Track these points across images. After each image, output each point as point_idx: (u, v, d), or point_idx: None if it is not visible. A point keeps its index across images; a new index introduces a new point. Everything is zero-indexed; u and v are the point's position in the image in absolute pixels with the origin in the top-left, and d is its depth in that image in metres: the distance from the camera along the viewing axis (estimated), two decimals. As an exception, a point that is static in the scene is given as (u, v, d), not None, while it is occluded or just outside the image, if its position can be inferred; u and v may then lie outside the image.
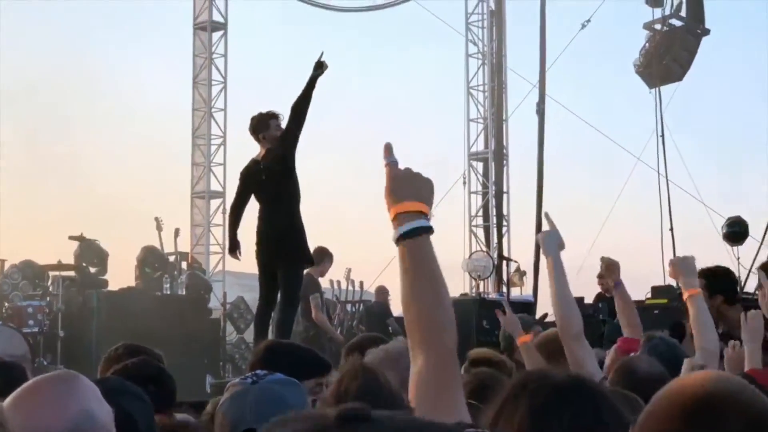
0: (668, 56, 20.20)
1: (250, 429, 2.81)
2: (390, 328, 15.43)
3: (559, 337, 5.43)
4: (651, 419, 1.42)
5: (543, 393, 1.89)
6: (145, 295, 14.54)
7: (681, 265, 5.17)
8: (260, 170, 9.67)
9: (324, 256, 12.40)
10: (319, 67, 9.67)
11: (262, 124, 9.73)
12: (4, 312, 12.33)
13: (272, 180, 9.56)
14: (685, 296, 5.07)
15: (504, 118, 20.68)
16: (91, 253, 14.08)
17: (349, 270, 17.41)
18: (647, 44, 20.54)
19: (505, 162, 20.72)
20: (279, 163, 9.55)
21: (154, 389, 3.38)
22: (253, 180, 9.77)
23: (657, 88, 19.24)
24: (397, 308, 18.15)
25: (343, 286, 17.10)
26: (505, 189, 20.68)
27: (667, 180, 18.51)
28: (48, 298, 12.71)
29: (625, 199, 21.82)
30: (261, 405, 2.91)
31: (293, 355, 4.12)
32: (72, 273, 13.59)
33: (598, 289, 7.09)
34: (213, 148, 21.19)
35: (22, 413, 2.21)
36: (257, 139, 9.79)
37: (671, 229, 17.86)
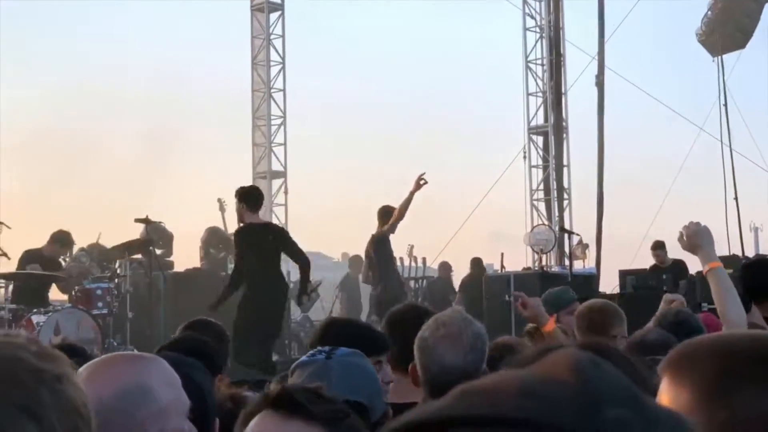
0: (731, 24, 19.93)
1: (347, 401, 2.63)
2: (453, 304, 15.46)
3: (604, 309, 5.40)
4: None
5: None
6: (210, 276, 14.72)
7: (699, 235, 4.70)
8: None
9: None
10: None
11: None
12: (74, 295, 12.55)
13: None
14: (705, 270, 4.66)
15: (563, 91, 20.54)
16: (156, 235, 14.27)
17: (412, 246, 17.49)
18: (709, 12, 20.29)
19: (564, 135, 20.59)
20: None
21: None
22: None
23: (719, 57, 19.02)
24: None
25: (406, 263, 17.20)
26: (565, 162, 20.57)
27: (731, 149, 18.35)
28: (116, 281, 12.90)
29: (687, 170, 21.65)
30: (346, 378, 2.88)
31: (354, 333, 4.19)
32: (139, 255, 13.79)
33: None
34: (273, 128, 21.31)
35: (83, 380, 2.29)
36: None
37: (735, 198, 17.72)
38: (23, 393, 0.89)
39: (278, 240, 10.57)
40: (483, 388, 0.58)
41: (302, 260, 10.65)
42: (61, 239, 13.05)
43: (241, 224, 10.41)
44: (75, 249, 13.67)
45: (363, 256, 13.85)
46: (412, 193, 11.84)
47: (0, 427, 0.85)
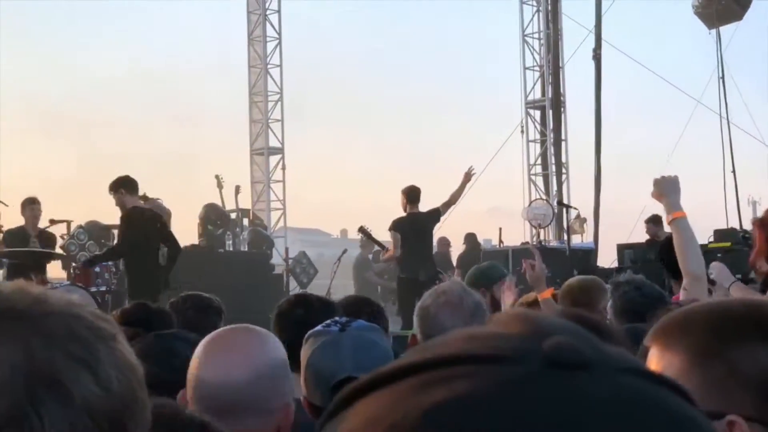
0: (727, -5, 19.85)
1: (349, 377, 2.66)
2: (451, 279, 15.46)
3: (585, 287, 5.38)
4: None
5: None
6: (208, 252, 14.72)
7: (664, 184, 4.62)
8: None
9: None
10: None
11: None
12: (72, 272, 12.54)
13: None
14: (668, 219, 4.59)
15: (560, 65, 20.50)
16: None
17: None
18: (705, -16, 20.20)
19: (562, 109, 20.57)
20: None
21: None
22: None
23: (716, 29, 18.95)
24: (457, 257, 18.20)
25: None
26: (563, 137, 20.56)
27: (728, 122, 18.29)
28: (114, 258, 12.88)
29: (685, 143, 21.69)
30: (358, 352, 2.80)
31: (370, 306, 4.29)
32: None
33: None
34: (270, 104, 21.26)
35: (211, 362, 2.34)
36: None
37: (733, 171, 17.68)
38: (81, 347, 0.95)
39: (163, 226, 11.35)
40: (434, 341, 0.59)
41: (176, 248, 11.29)
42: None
43: (130, 208, 10.89)
44: (72, 226, 13.66)
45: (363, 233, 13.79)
46: (463, 184, 12.38)
47: (59, 377, 0.92)
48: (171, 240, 11.24)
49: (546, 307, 5.23)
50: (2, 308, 0.95)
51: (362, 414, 0.56)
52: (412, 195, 11.93)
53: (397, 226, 11.81)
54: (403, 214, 11.89)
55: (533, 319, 0.58)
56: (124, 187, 10.82)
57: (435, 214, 12.23)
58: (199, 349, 2.40)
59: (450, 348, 0.57)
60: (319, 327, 2.96)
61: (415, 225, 11.79)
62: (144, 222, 10.85)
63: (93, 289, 11.96)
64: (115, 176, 10.97)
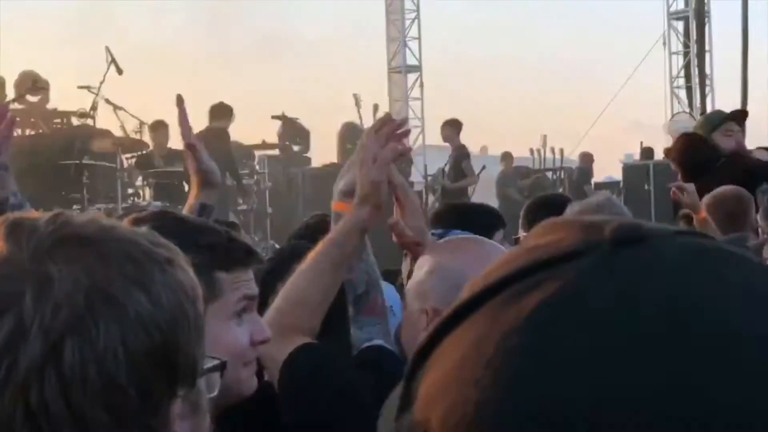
0: None
1: None
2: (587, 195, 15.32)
3: (739, 196, 5.22)
4: None
5: None
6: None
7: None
8: None
9: None
10: None
11: None
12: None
13: None
14: None
15: (705, -27, 19.85)
16: (293, 131, 14.44)
17: (545, 137, 17.35)
18: None
19: (707, 20, 19.95)
20: None
21: None
22: None
23: None
24: (600, 173, 17.99)
25: (542, 154, 17.09)
26: (707, 48, 19.98)
27: None
28: (255, 177, 13.12)
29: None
30: None
31: (469, 211, 4.40)
32: (276, 152, 13.93)
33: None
34: (407, 22, 21.20)
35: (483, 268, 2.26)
36: None
37: None
38: (135, 268, 1.07)
39: None
40: (492, 266, 0.63)
41: None
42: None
43: None
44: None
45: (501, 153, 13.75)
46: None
47: (115, 293, 1.04)
48: None
49: (706, 227, 5.06)
50: (70, 234, 1.08)
51: (461, 344, 0.59)
52: None
53: None
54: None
55: (577, 220, 0.64)
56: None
57: None
58: (452, 261, 2.31)
59: (516, 264, 0.61)
60: None
61: None
62: None
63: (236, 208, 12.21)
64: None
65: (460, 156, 13.88)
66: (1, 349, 1.01)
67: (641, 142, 16.89)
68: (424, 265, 2.30)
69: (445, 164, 14.23)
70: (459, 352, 0.59)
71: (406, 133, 2.64)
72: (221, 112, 12.23)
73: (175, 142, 12.91)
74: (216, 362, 1.32)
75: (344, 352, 2.57)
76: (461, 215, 4.07)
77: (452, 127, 14.04)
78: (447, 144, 14.17)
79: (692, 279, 0.58)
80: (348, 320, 2.45)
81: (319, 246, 2.45)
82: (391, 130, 2.54)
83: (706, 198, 5.29)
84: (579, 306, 0.57)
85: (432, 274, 2.26)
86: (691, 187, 5.45)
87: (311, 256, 2.44)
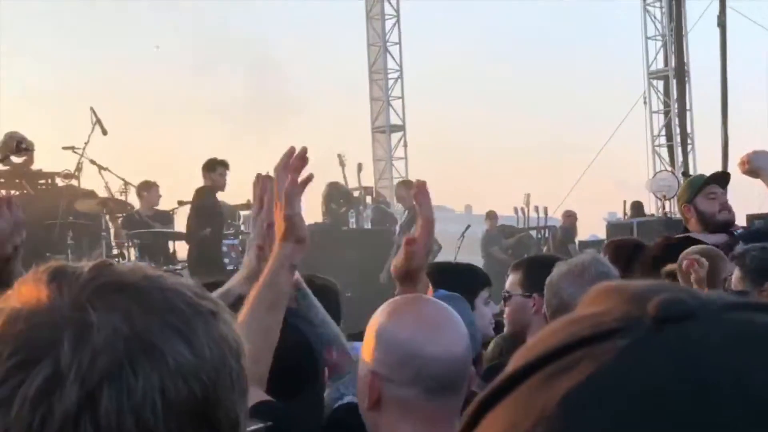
0: None
1: None
2: (571, 254, 15.37)
3: (709, 255, 5.24)
4: None
5: None
6: (332, 230, 14.86)
7: (758, 158, 4.76)
8: None
9: None
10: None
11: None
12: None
13: None
14: None
15: (683, 33, 20.08)
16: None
17: (528, 195, 17.42)
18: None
19: (687, 79, 20.16)
20: None
21: None
22: None
23: None
24: (584, 232, 18.06)
25: (525, 212, 17.15)
26: (687, 107, 20.16)
27: None
28: (240, 237, 13.10)
29: (817, 111, 20.97)
30: None
31: (454, 270, 4.39)
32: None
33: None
34: (390, 82, 21.34)
35: (426, 339, 2.19)
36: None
37: None
38: (179, 318, 1.05)
39: None
40: (530, 342, 0.60)
41: None
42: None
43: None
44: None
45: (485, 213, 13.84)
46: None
47: (155, 341, 1.02)
48: None
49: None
50: (113, 281, 1.07)
51: (495, 426, 0.57)
52: None
53: None
54: None
55: (624, 288, 0.60)
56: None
57: None
58: (396, 327, 2.24)
59: (556, 339, 0.58)
60: None
61: None
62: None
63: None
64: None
65: (416, 215, 14.08)
66: (37, 397, 0.98)
67: (624, 201, 16.98)
68: (374, 324, 2.27)
69: (399, 224, 14.48)
70: None
71: (305, 161, 2.61)
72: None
73: (164, 202, 12.97)
74: (260, 425, 1.27)
75: (305, 415, 2.57)
76: (447, 274, 4.09)
77: (406, 188, 14.39)
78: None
79: (741, 362, 0.54)
80: (319, 382, 2.43)
81: (252, 291, 2.48)
82: (286, 164, 2.58)
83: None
84: (613, 393, 0.54)
85: (377, 339, 2.23)
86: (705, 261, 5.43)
87: (246, 303, 2.45)
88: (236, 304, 2.55)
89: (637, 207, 17.37)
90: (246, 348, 1.14)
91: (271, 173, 2.67)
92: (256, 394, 2.25)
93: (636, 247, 4.91)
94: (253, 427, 1.22)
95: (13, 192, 11.81)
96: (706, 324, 0.56)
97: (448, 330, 2.25)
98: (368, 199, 16.65)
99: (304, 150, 2.62)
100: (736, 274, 4.96)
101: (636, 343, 0.55)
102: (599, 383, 0.54)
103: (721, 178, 6.15)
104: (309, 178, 2.60)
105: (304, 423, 2.54)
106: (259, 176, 2.83)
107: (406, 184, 14.79)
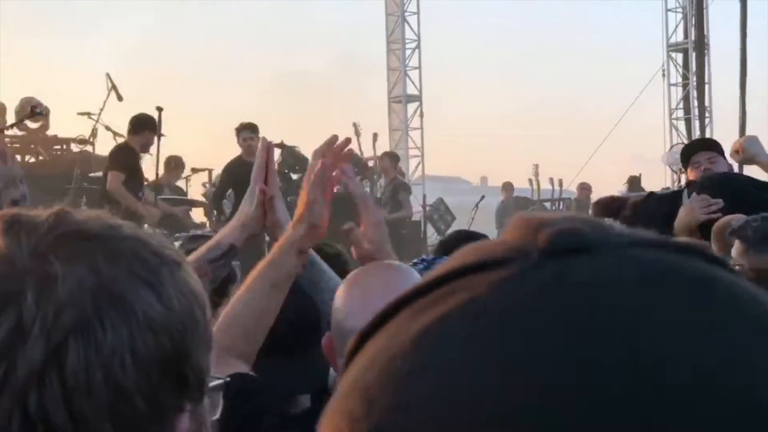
0: None
1: None
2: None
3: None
4: None
5: None
6: (346, 200, 14.83)
7: (749, 145, 4.76)
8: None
9: None
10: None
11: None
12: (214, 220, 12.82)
13: None
14: None
15: (704, 5, 19.92)
16: (292, 159, 14.44)
17: (536, 166, 17.37)
18: None
19: (706, 52, 20.02)
20: None
21: None
22: None
23: None
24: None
25: (536, 184, 17.12)
26: (706, 80, 20.03)
27: None
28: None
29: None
30: None
31: (472, 239, 4.28)
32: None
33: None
34: (407, 52, 21.26)
35: (356, 297, 2.15)
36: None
37: None
38: (146, 268, 1.01)
39: None
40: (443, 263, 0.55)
41: None
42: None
43: None
44: (213, 175, 13.94)
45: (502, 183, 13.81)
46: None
47: (123, 293, 0.98)
48: None
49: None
50: (76, 230, 1.02)
51: (365, 355, 0.52)
52: None
53: None
54: None
55: (532, 217, 0.52)
56: None
57: None
58: (345, 294, 2.22)
59: (449, 265, 0.52)
60: (410, 263, 2.93)
61: None
62: None
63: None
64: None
65: (398, 187, 14.39)
66: None
67: (639, 174, 16.90)
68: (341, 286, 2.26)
69: (381, 194, 14.55)
70: (352, 373, 0.51)
71: (348, 155, 2.62)
72: None
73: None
74: (220, 381, 1.20)
75: (309, 373, 2.55)
76: (465, 244, 4.07)
77: (390, 159, 14.80)
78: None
79: (628, 307, 0.46)
80: (318, 344, 2.38)
81: (257, 267, 2.43)
82: (324, 150, 2.55)
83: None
84: (466, 334, 0.47)
85: (337, 299, 2.20)
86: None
87: (249, 277, 2.41)
88: (228, 252, 2.53)
89: (633, 181, 17.30)
90: (207, 300, 1.09)
91: (282, 140, 2.66)
92: (238, 368, 2.22)
93: (623, 205, 4.93)
94: (215, 382, 1.15)
95: (28, 157, 11.84)
96: (599, 259, 0.48)
97: (379, 303, 2.18)
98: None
99: (346, 141, 2.62)
100: (737, 247, 4.92)
101: (511, 276, 0.48)
102: (452, 322, 0.48)
103: (705, 144, 6.24)
104: (337, 177, 2.60)
105: (307, 381, 2.52)
106: (264, 140, 2.80)
107: (390, 155, 14.82)
